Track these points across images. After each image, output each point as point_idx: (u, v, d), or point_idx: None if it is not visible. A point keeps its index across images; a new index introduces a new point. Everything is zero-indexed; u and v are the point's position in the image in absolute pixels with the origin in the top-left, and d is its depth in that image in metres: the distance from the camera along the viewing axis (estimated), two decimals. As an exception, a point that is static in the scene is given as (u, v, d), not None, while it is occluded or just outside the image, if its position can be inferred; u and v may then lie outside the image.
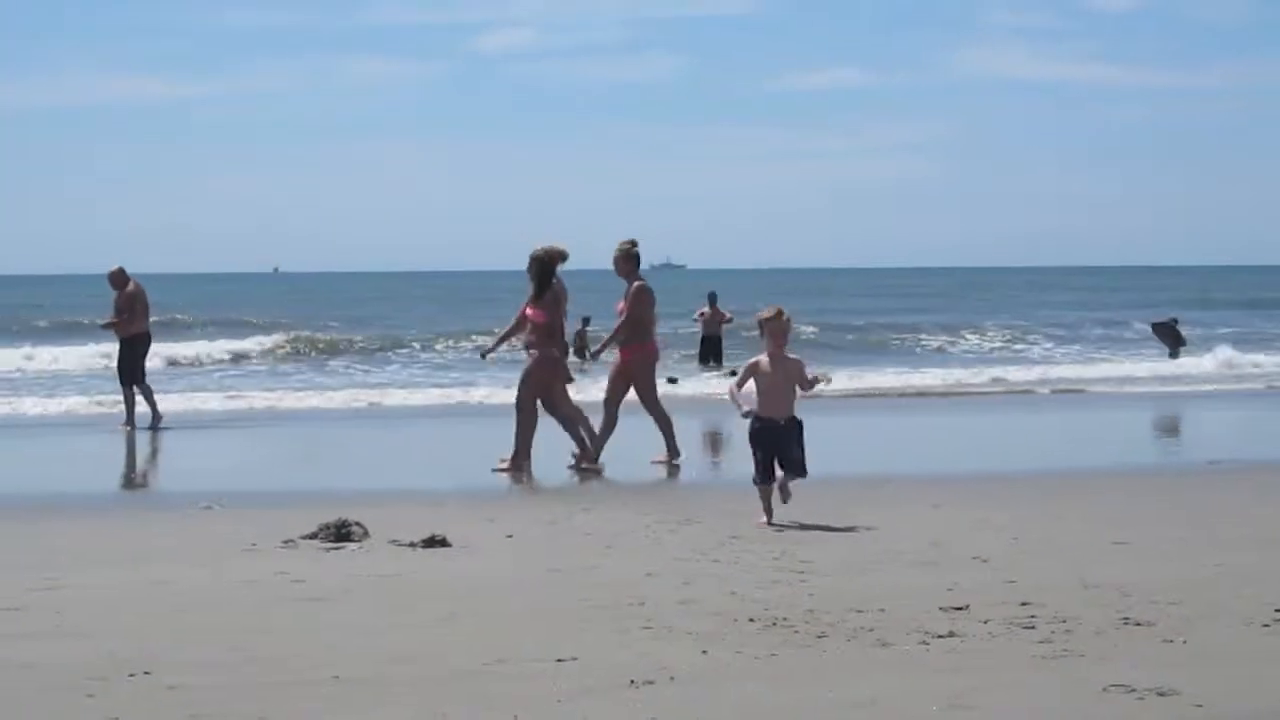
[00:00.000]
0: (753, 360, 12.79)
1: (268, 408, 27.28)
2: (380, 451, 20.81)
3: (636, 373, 17.76)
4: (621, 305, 17.74)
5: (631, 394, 17.89)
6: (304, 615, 8.91)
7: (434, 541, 11.42)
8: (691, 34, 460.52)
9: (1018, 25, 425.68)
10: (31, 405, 27.26)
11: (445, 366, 40.32)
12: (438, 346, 47.25)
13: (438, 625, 8.58)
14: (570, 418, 17.28)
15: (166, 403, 27.15)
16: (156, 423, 23.08)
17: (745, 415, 12.63)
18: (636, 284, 17.64)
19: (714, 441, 22.99)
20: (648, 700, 6.90)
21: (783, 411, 12.58)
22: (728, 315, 38.20)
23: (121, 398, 23.59)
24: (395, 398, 29.18)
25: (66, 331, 51.56)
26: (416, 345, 47.48)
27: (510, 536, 11.95)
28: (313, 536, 11.69)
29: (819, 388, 12.94)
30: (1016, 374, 36.04)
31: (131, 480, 18.41)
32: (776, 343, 12.68)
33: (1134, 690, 6.96)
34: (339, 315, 63.69)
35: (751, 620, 8.57)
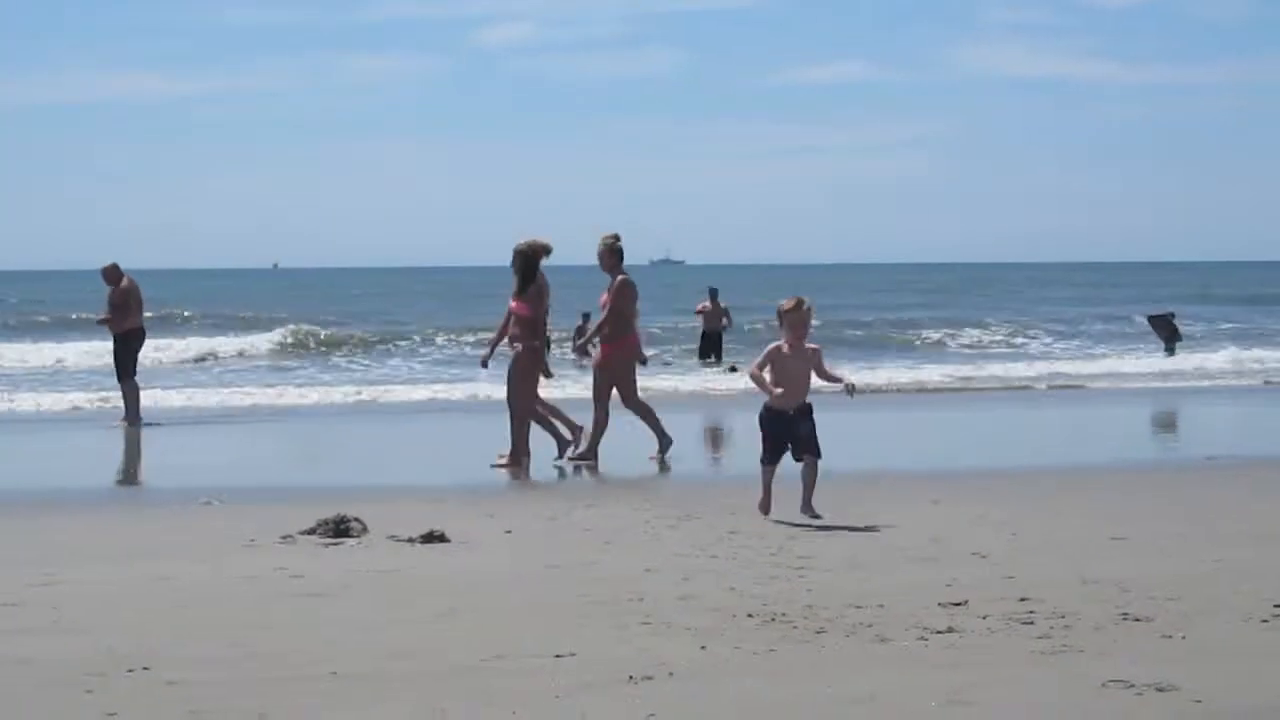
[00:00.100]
0: (774, 346, 12.64)
1: (267, 404, 27.28)
2: (379, 447, 20.80)
3: (617, 369, 17.70)
4: (605, 299, 17.69)
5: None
6: (303, 611, 8.91)
7: (433, 537, 11.42)
8: (691, 28, 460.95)
9: (1017, 22, 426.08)
10: (31, 401, 27.23)
11: (445, 362, 40.35)
12: (438, 340, 47.25)
13: (437, 621, 8.58)
14: (541, 415, 17.29)
15: (166, 398, 27.22)
16: (137, 417, 23.05)
17: (779, 394, 12.49)
18: (620, 278, 17.59)
19: (714, 437, 22.99)
20: (646, 696, 6.90)
21: (796, 400, 12.50)
22: (726, 317, 38.11)
23: (123, 394, 23.54)
24: (395, 393, 29.18)
25: (67, 327, 51.56)
26: (417, 339, 47.48)
27: (509, 532, 11.95)
28: (311, 532, 11.69)
29: (850, 394, 12.67)
30: (1016, 369, 36.05)
31: (130, 476, 18.40)
32: (796, 334, 12.54)
33: (1133, 686, 6.96)
34: (339, 311, 63.68)
35: (750, 616, 8.57)
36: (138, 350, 23.88)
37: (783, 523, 12.23)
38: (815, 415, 12.54)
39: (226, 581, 9.87)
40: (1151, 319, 44.47)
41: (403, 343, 46.67)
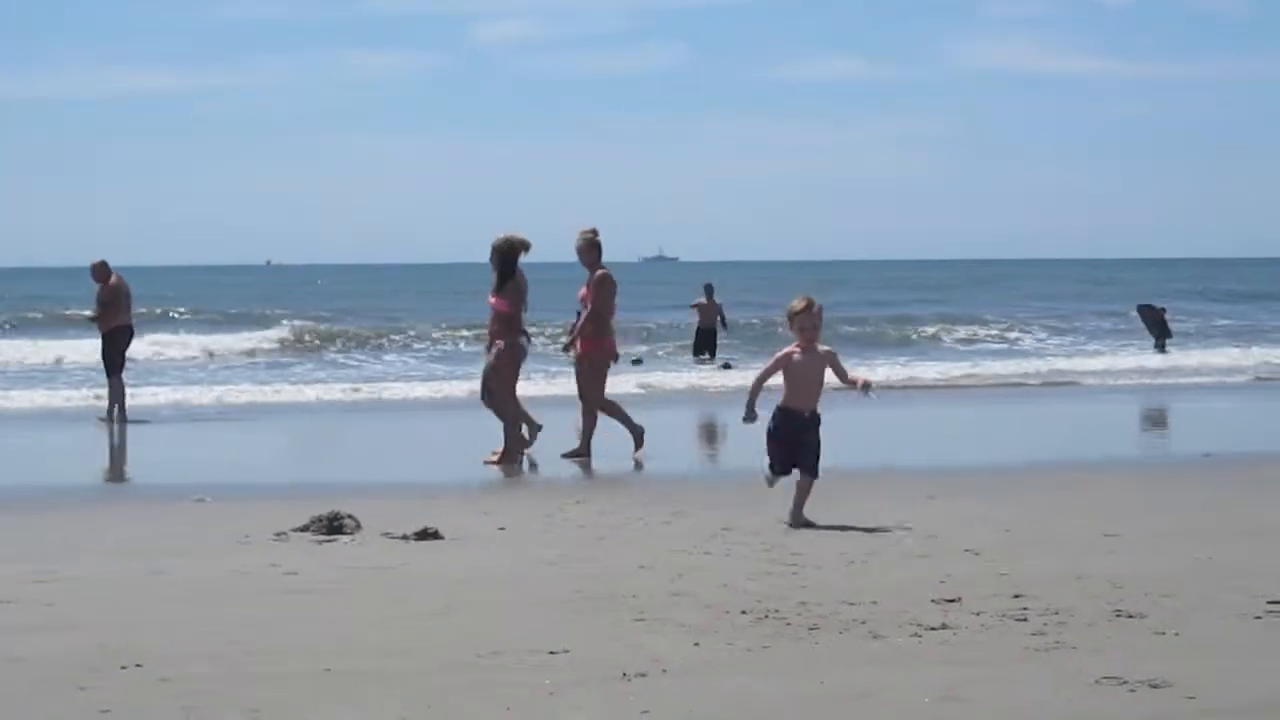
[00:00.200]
0: (784, 352, 12.28)
1: (262, 400, 27.26)
2: (374, 444, 20.80)
3: (593, 364, 17.61)
4: (584, 293, 17.63)
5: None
6: (296, 608, 8.91)
7: (426, 534, 11.42)
8: (689, 25, 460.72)
9: (1017, 17, 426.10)
10: (27, 397, 27.21)
11: (441, 358, 40.33)
12: (434, 335, 47.22)
13: (430, 618, 8.58)
14: (510, 410, 17.30)
15: (161, 395, 27.22)
16: (113, 414, 23.03)
17: (747, 420, 12.33)
18: (600, 273, 17.53)
19: (708, 434, 22.99)
20: (640, 692, 6.91)
21: (809, 404, 12.17)
22: (721, 316, 38.07)
23: (116, 391, 23.50)
24: (391, 390, 29.17)
25: (63, 324, 51.50)
26: (413, 334, 47.43)
27: (503, 529, 11.95)
28: (305, 529, 11.68)
29: (866, 393, 12.28)
30: (1012, 366, 36.06)
31: (123, 473, 18.40)
32: (807, 337, 12.09)
33: (1126, 682, 6.97)
34: (335, 307, 63.53)
35: (744, 612, 8.57)
36: (125, 347, 23.83)
37: (776, 520, 12.22)
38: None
39: (220, 578, 9.87)
40: (1141, 309, 44.44)
41: (398, 337, 46.65)
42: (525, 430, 17.40)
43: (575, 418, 17.61)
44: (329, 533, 11.60)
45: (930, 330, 49.77)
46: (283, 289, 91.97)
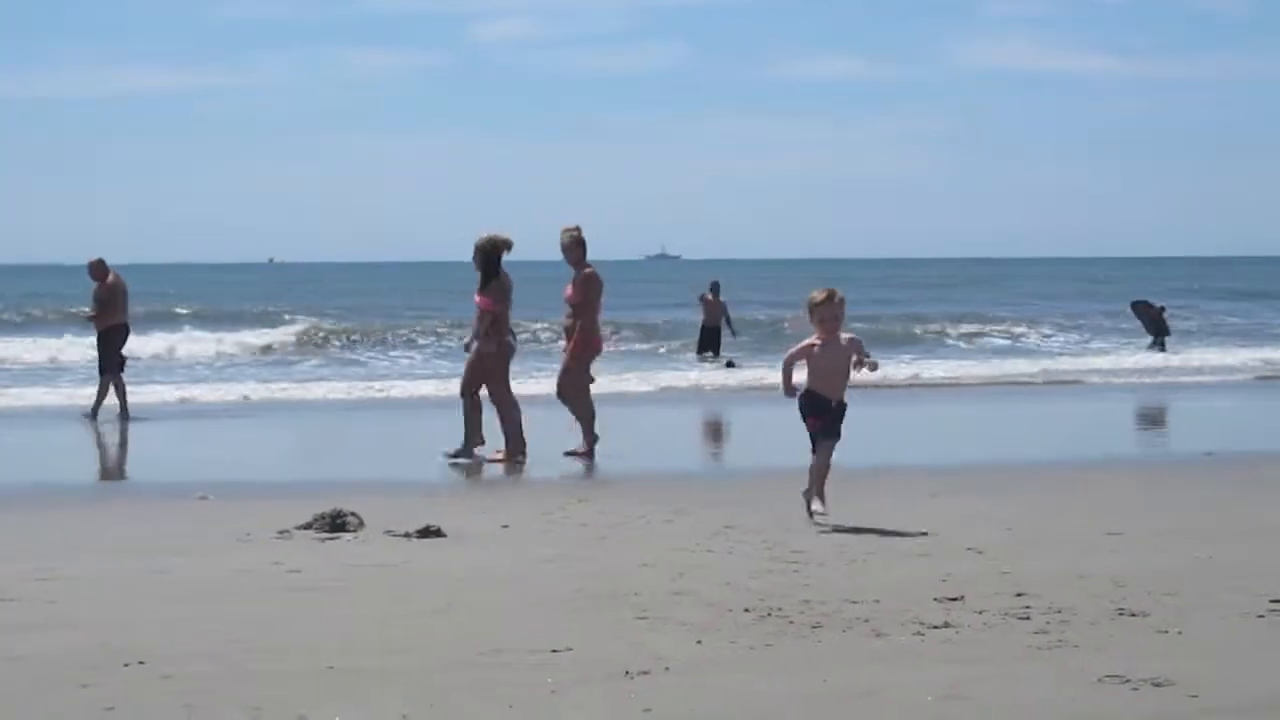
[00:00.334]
0: (806, 343, 12.01)
1: (266, 398, 27.25)
2: (375, 441, 20.80)
3: (577, 361, 17.57)
4: (570, 292, 17.60)
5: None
6: (299, 605, 8.91)
7: (429, 532, 11.41)
8: (688, 23, 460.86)
9: (1016, 16, 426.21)
10: (28, 395, 27.20)
11: (444, 355, 40.30)
12: (439, 330, 47.19)
13: (433, 615, 8.58)
14: (476, 407, 17.28)
15: (166, 393, 27.22)
16: (96, 411, 23.01)
17: (788, 394, 12.08)
18: (586, 271, 17.49)
19: (710, 432, 22.99)
20: (642, 690, 6.90)
21: (836, 393, 11.97)
22: (726, 316, 38.01)
23: (113, 389, 23.45)
24: (395, 388, 29.16)
25: (65, 322, 51.47)
26: (417, 331, 47.39)
27: (505, 527, 11.95)
28: (308, 527, 11.68)
29: (868, 373, 12.09)
30: (1014, 364, 36.05)
31: (125, 471, 18.40)
32: (828, 329, 11.88)
33: (1129, 681, 6.96)
34: (338, 305, 63.51)
35: (746, 611, 8.57)
36: (121, 346, 23.79)
37: (777, 517, 12.22)
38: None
39: (222, 576, 9.86)
40: (1135, 306, 44.39)
41: (402, 334, 46.63)
42: (483, 434, 17.36)
43: (569, 417, 17.55)
44: (331, 530, 11.60)
45: (933, 330, 49.74)
46: (286, 287, 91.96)
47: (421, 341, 44.72)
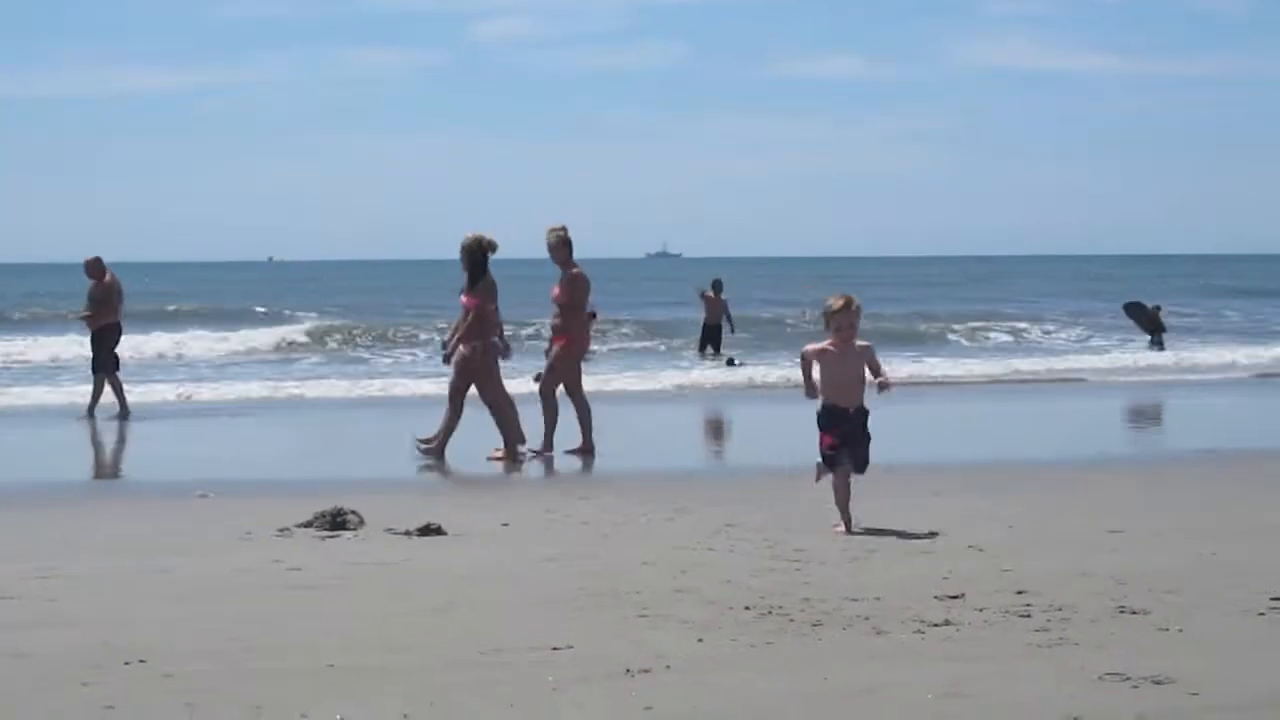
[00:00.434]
0: (819, 346, 11.78)
1: (266, 396, 27.24)
2: (376, 439, 20.79)
3: (561, 363, 17.54)
4: (557, 292, 17.58)
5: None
6: (299, 603, 8.91)
7: (430, 530, 11.41)
8: (688, 22, 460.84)
9: (1016, 15, 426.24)
10: (29, 394, 27.17)
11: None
12: (440, 326, 47.10)
13: (433, 614, 8.58)
14: (456, 411, 17.28)
15: (164, 392, 27.21)
16: (93, 410, 22.98)
17: (809, 395, 11.76)
18: (573, 271, 17.48)
19: (711, 430, 22.99)
20: (643, 689, 6.90)
21: (853, 401, 11.68)
22: (727, 315, 37.99)
23: (110, 388, 23.41)
24: (397, 386, 29.13)
25: (64, 320, 51.44)
26: (419, 328, 47.36)
27: (506, 525, 11.94)
28: (308, 525, 11.68)
29: (880, 390, 11.74)
30: (1015, 362, 36.00)
31: (126, 469, 18.39)
32: (843, 337, 11.64)
33: (1129, 678, 6.96)
34: (341, 304, 63.48)
35: (747, 609, 8.57)
36: (115, 345, 23.75)
37: (778, 515, 12.22)
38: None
39: (223, 574, 9.86)
40: (1129, 308, 44.37)
41: (404, 331, 46.60)
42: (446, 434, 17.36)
43: (571, 415, 17.54)
44: (332, 528, 11.60)
45: (934, 329, 49.72)
46: (287, 285, 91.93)
47: (423, 337, 44.69)
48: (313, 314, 53.98)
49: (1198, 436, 19.76)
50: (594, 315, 44.98)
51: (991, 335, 48.95)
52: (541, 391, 17.54)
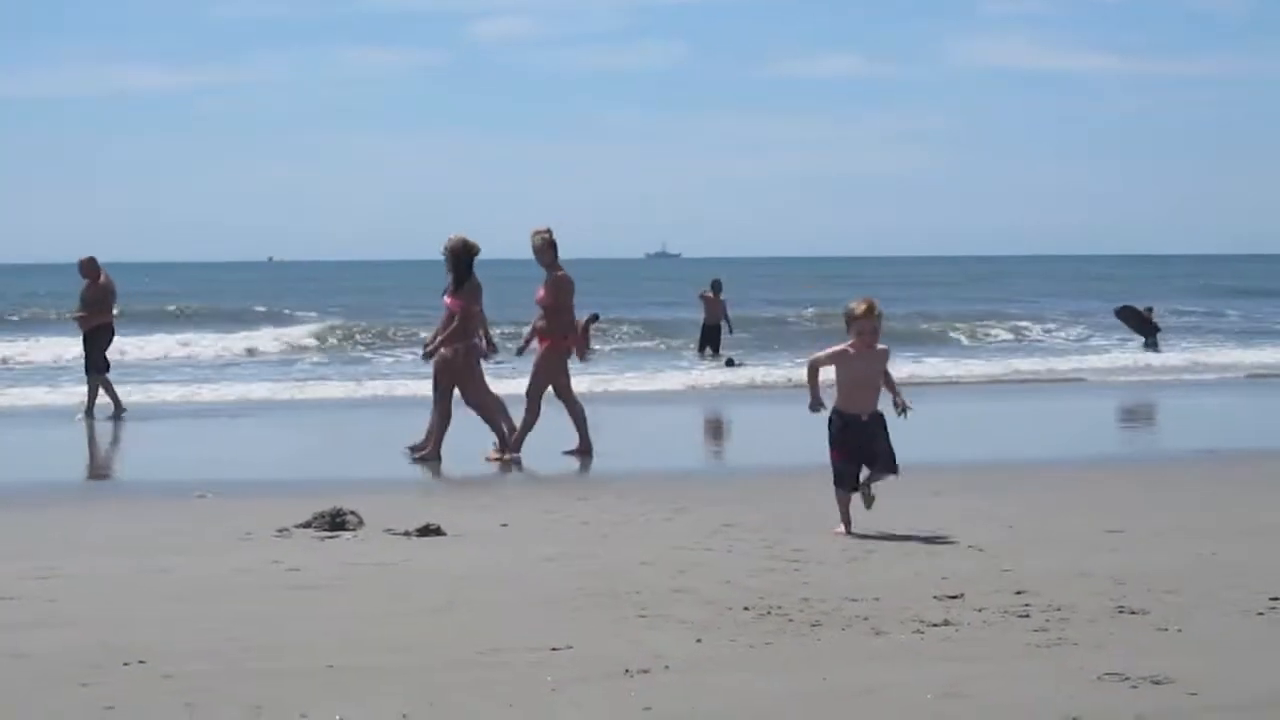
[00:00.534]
0: (839, 349, 11.63)
1: (264, 397, 27.21)
2: (375, 440, 20.77)
3: (548, 365, 17.51)
4: (541, 294, 17.57)
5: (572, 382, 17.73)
6: (298, 604, 8.91)
7: (429, 530, 11.41)
8: (688, 21, 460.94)
9: (1015, 14, 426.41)
10: (29, 394, 27.15)
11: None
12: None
13: (432, 614, 8.58)
14: (445, 412, 17.28)
15: (163, 392, 27.21)
16: (92, 412, 22.95)
17: (815, 409, 11.63)
18: (558, 274, 17.46)
19: (710, 430, 22.99)
20: (642, 689, 6.90)
21: (867, 407, 11.51)
22: (725, 316, 38.00)
23: (103, 388, 23.37)
24: (393, 386, 29.10)
25: (64, 320, 51.39)
26: (418, 331, 47.29)
27: (505, 525, 11.94)
28: (307, 525, 11.68)
29: (900, 413, 11.58)
30: (1014, 362, 35.98)
31: (125, 470, 18.39)
32: (865, 342, 11.53)
33: (1128, 678, 6.96)
34: (340, 303, 63.46)
35: (746, 609, 8.57)
36: (107, 346, 23.72)
37: (777, 515, 12.21)
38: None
39: (222, 574, 9.86)
40: (1121, 312, 44.37)
41: (404, 330, 46.57)
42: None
43: (565, 416, 17.53)
44: (331, 529, 11.60)
45: (933, 329, 49.68)
46: (287, 286, 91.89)
47: (423, 336, 44.57)
48: (313, 314, 53.98)
49: (1196, 436, 19.75)
50: (596, 317, 44.75)
51: (992, 335, 48.92)
52: (528, 393, 17.52)
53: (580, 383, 26.91)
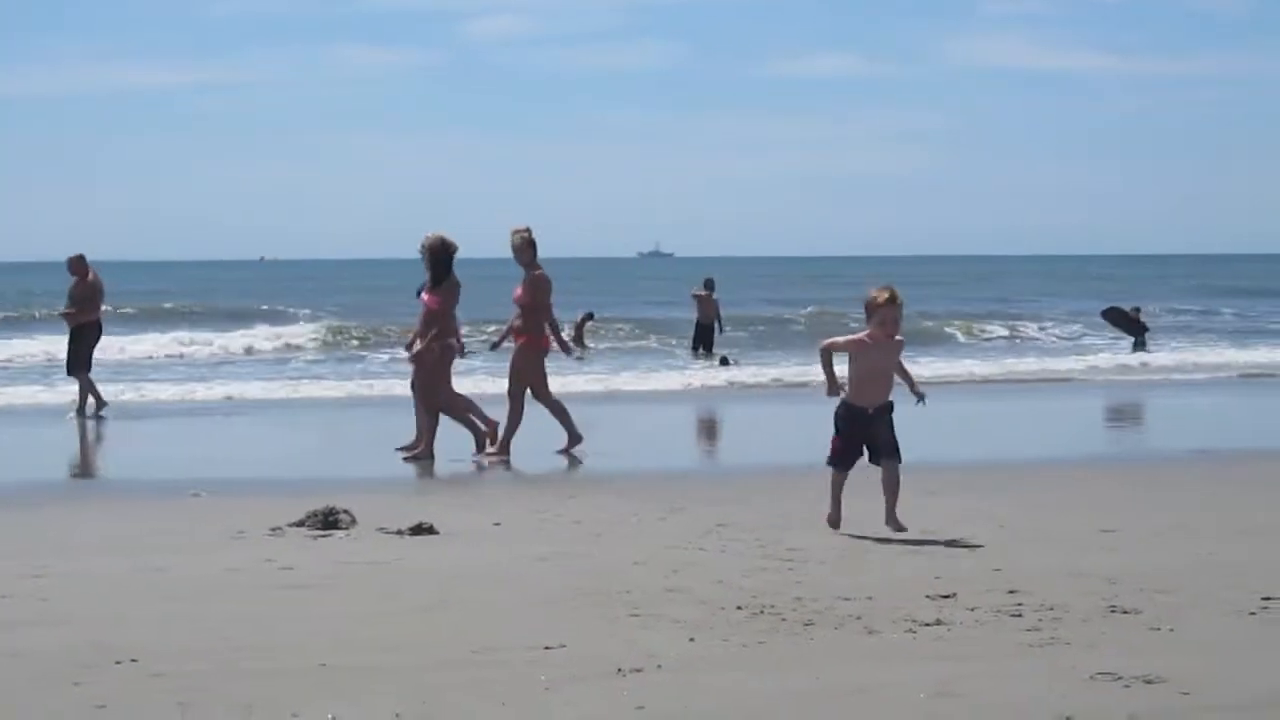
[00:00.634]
0: (858, 336, 11.47)
1: (259, 397, 27.18)
2: (368, 438, 20.77)
3: (529, 363, 17.50)
4: (519, 293, 17.56)
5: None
6: (291, 603, 8.91)
7: (421, 529, 11.41)
8: (682, 21, 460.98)
9: (1014, 14, 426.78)
10: (23, 393, 27.10)
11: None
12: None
13: (425, 613, 8.57)
14: (440, 409, 17.29)
15: (159, 391, 27.20)
16: (84, 409, 22.91)
17: (831, 394, 11.51)
18: (536, 273, 17.45)
19: (704, 430, 23.00)
20: (635, 688, 6.90)
21: (878, 399, 11.38)
22: (717, 315, 38.03)
23: (79, 386, 23.34)
24: (390, 385, 29.05)
25: (58, 319, 51.26)
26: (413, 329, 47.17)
27: (498, 524, 11.94)
28: (300, 524, 11.68)
29: (919, 401, 11.62)
30: (1009, 363, 35.99)
31: (119, 468, 18.38)
32: (887, 331, 11.31)
33: (1121, 678, 6.97)
34: (336, 302, 63.37)
35: (739, 608, 8.57)
36: (94, 344, 23.70)
37: (770, 515, 12.22)
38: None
39: (215, 573, 9.85)
40: (1108, 313, 44.40)
41: (400, 330, 46.53)
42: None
43: (546, 414, 17.50)
44: (324, 528, 11.59)
45: (929, 328, 49.68)
46: (282, 285, 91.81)
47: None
48: (307, 311, 53.94)
49: (1188, 436, 19.76)
50: (591, 316, 44.63)
51: (989, 334, 48.94)
52: (510, 393, 17.51)
53: (575, 382, 27.00)
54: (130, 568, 10.09)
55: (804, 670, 7.21)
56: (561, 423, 17.39)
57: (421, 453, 17.06)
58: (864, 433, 11.39)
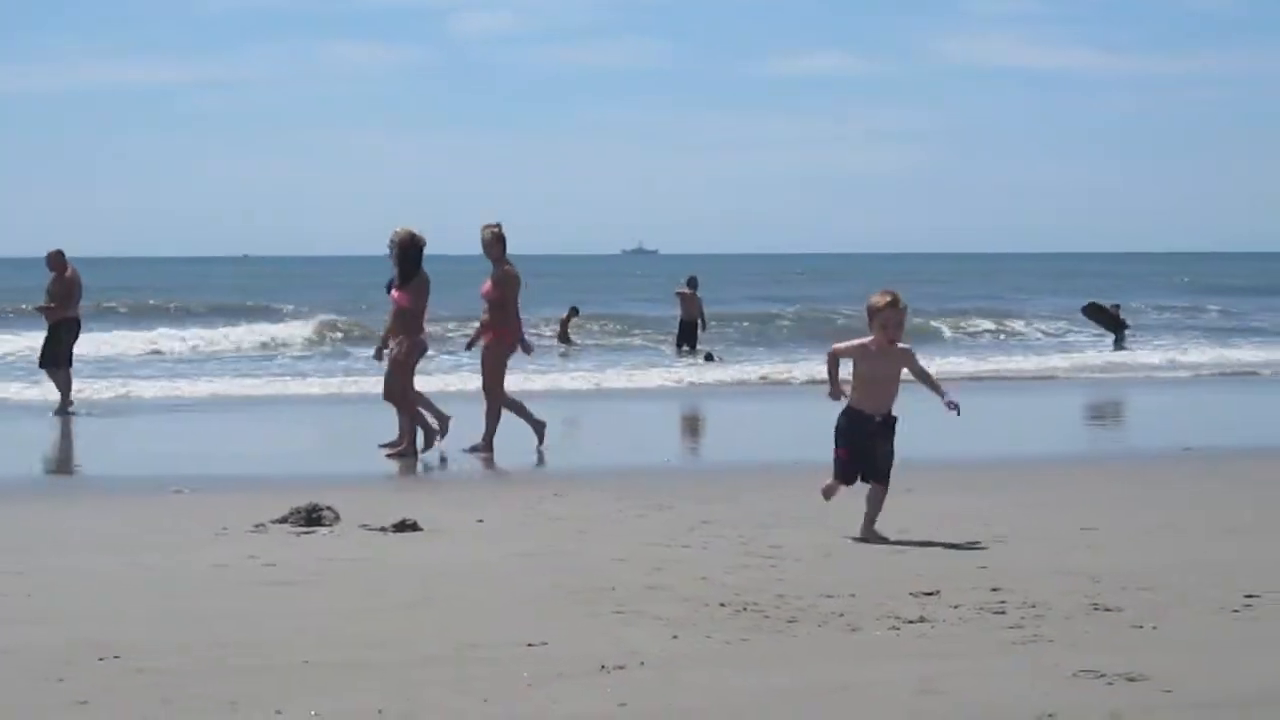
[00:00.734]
0: (861, 342, 11.31)
1: (243, 394, 27.16)
2: (353, 435, 20.76)
3: (494, 357, 17.49)
4: (488, 288, 17.54)
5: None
6: (275, 599, 8.90)
7: (405, 526, 11.40)
8: (670, 19, 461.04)
9: (1006, 12, 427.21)
10: (9, 389, 27.03)
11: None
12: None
13: (409, 609, 8.57)
14: (394, 401, 17.33)
15: (144, 388, 27.16)
16: (66, 408, 22.85)
17: (834, 397, 11.38)
18: (505, 268, 17.43)
19: (687, 427, 22.99)
20: (618, 685, 6.90)
21: (881, 407, 11.24)
22: (700, 314, 38.05)
23: (52, 380, 23.27)
24: (375, 383, 28.98)
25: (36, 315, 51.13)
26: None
27: (481, 521, 11.94)
28: (283, 521, 11.67)
29: (952, 410, 11.25)
30: (996, 360, 36.00)
31: (102, 464, 18.34)
32: (889, 336, 11.15)
33: (1103, 675, 6.98)
34: (322, 299, 63.25)
35: (722, 605, 8.57)
36: (73, 340, 23.63)
37: (753, 512, 12.22)
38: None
39: (198, 570, 9.85)
40: (1088, 310, 44.44)
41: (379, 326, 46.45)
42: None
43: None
44: (307, 524, 11.59)
45: (919, 325, 49.66)
46: (268, 281, 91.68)
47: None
48: (291, 307, 53.86)
49: (1170, 434, 19.78)
50: (575, 311, 44.55)
51: (978, 332, 48.96)
52: (485, 387, 17.47)
53: (559, 379, 27.00)
54: (114, 564, 10.08)
55: (787, 667, 7.22)
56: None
57: (404, 450, 17.04)
58: (866, 443, 11.23)
